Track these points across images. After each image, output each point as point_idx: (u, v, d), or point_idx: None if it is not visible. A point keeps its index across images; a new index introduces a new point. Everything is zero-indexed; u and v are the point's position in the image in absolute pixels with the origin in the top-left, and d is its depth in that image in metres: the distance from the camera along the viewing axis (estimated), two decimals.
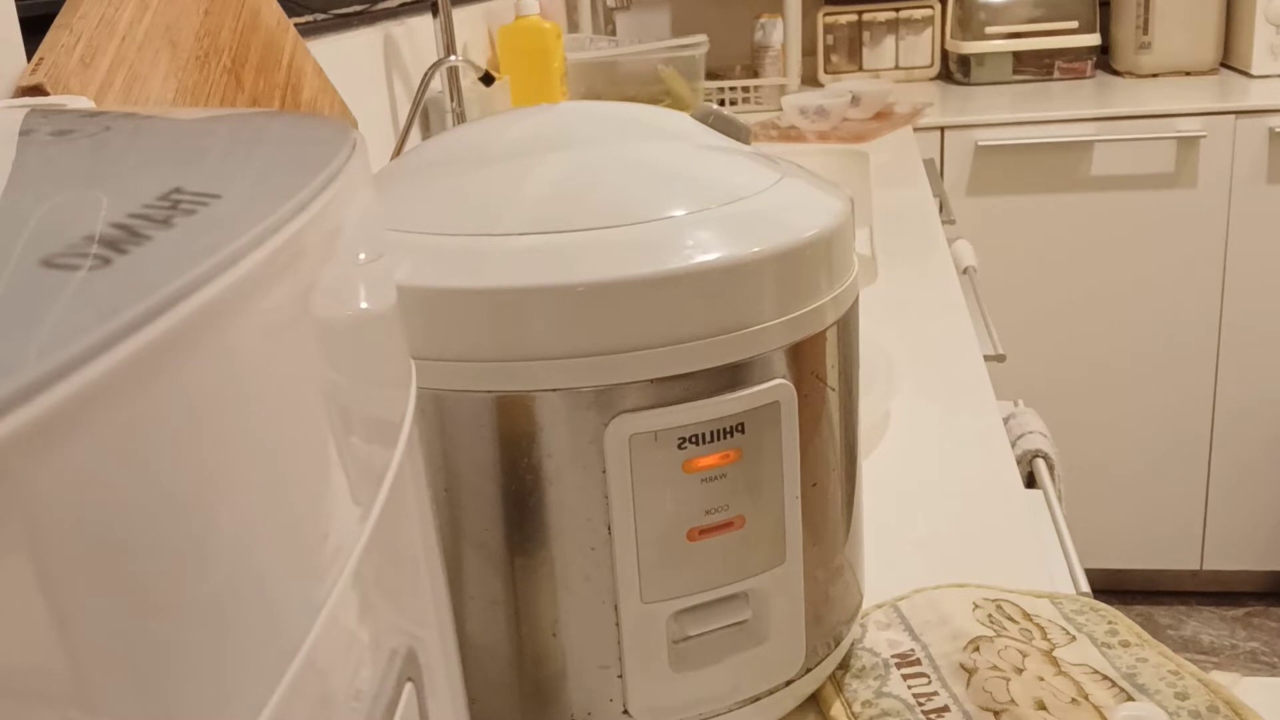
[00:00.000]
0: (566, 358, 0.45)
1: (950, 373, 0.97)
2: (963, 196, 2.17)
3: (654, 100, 1.97)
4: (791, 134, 2.03)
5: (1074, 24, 2.40)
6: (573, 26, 2.42)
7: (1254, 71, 2.25)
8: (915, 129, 2.12)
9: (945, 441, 0.85)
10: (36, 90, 0.71)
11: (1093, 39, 2.40)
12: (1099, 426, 2.25)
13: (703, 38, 2.04)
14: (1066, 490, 2.25)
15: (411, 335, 0.46)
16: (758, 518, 0.49)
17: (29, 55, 0.75)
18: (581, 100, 0.85)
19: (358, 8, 1.51)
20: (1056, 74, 2.43)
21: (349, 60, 1.41)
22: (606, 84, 2.00)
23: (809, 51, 2.60)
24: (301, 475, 0.23)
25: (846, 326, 0.53)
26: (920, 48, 2.54)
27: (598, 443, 0.46)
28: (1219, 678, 0.56)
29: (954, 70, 2.51)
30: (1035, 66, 2.44)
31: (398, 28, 1.59)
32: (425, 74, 1.53)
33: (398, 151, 1.51)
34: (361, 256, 0.27)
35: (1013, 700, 0.53)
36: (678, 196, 0.49)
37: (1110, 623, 0.60)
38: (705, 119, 0.58)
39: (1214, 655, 2.19)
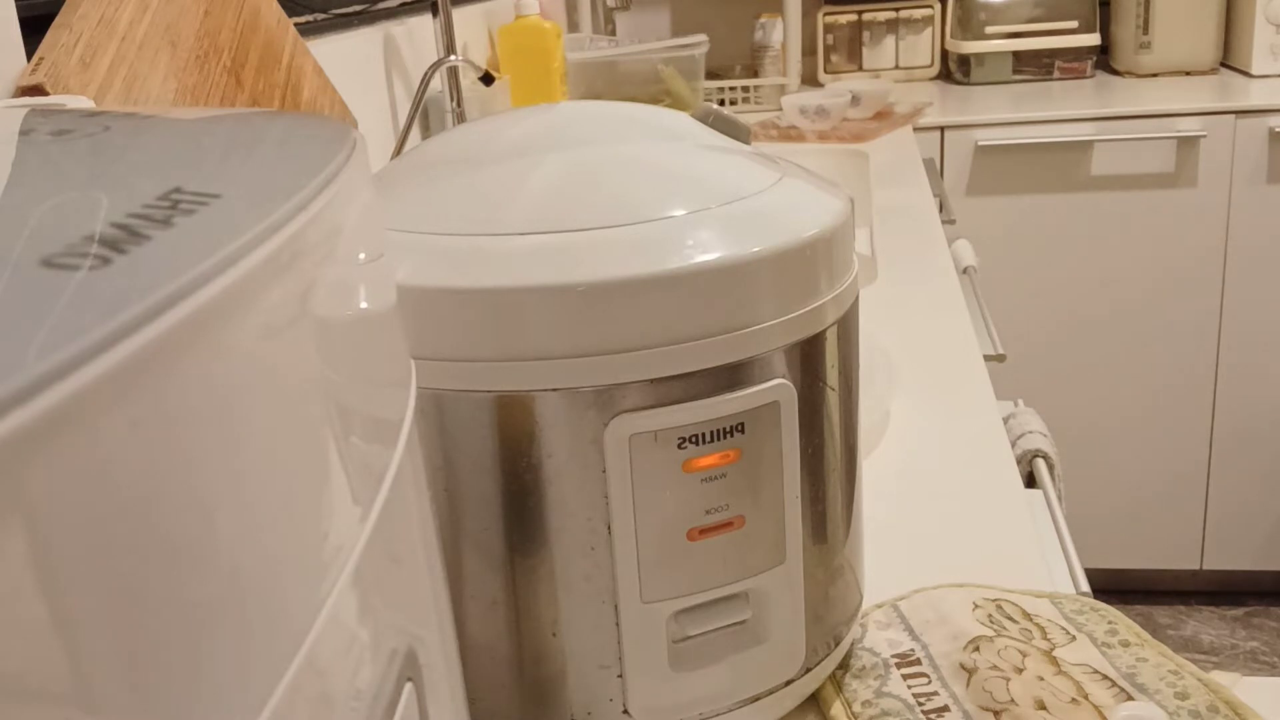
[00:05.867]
0: (566, 358, 0.45)
1: (950, 373, 0.97)
2: (963, 196, 2.17)
3: (654, 100, 1.97)
4: (791, 134, 2.03)
5: (1074, 24, 2.40)
6: (573, 26, 2.42)
7: (1254, 71, 2.25)
8: (915, 129, 2.12)
9: (945, 441, 0.85)
10: (36, 90, 0.71)
11: (1093, 39, 2.40)
12: (1099, 426, 2.25)
13: (703, 38, 2.04)
14: (1066, 490, 2.25)
15: (412, 335, 0.46)
16: (758, 518, 0.49)
17: (29, 55, 0.75)
18: (581, 100, 0.85)
19: (358, 8, 1.51)
20: (1056, 74, 2.43)
21: (349, 60, 1.40)
22: (606, 84, 2.00)
23: (809, 51, 2.60)
24: (301, 475, 0.23)
25: (846, 326, 0.53)
26: (920, 48, 2.54)
27: (598, 443, 0.46)
28: (1219, 678, 0.56)
29: (954, 70, 2.51)
30: (1035, 66, 2.44)
31: (398, 28, 1.59)
32: (425, 74, 1.53)
33: (398, 151, 1.51)
34: (361, 256, 0.27)
35: (1013, 700, 0.53)
36: (678, 196, 0.49)
37: (1110, 623, 0.60)
38: (705, 119, 0.58)
39: (1214, 655, 2.19)
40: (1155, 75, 2.37)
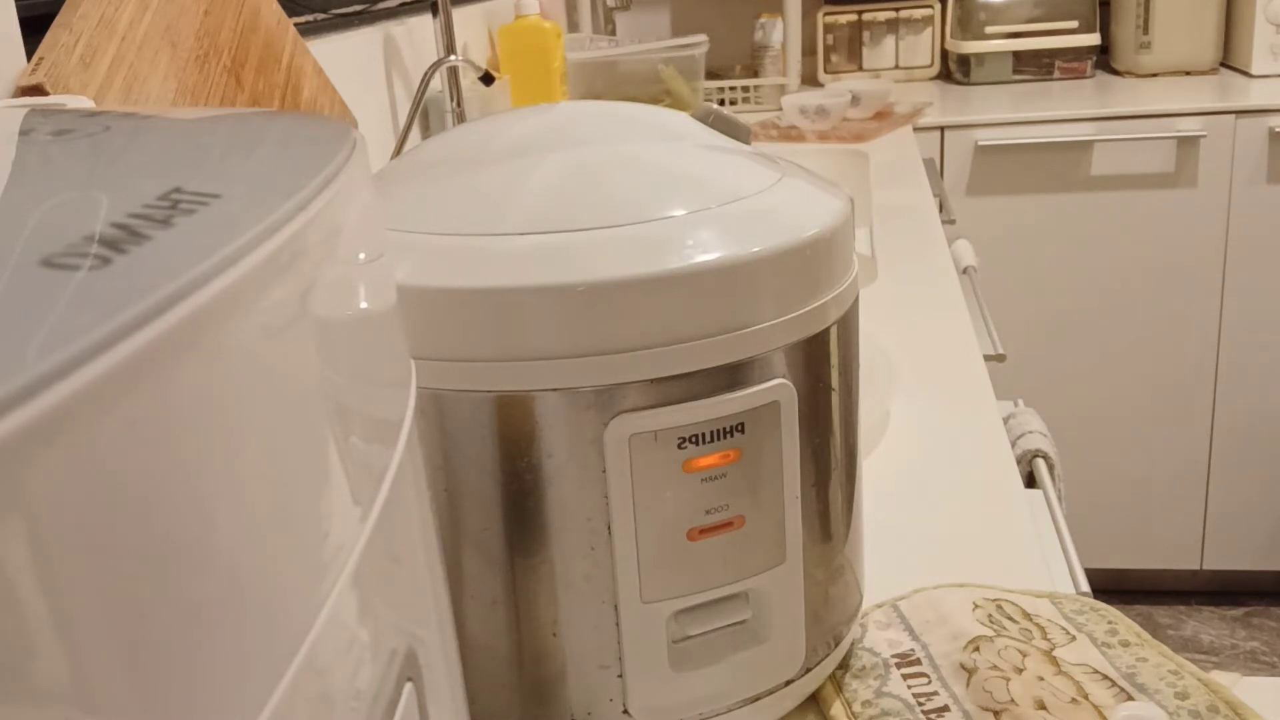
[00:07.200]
0: (566, 358, 0.45)
1: (950, 373, 0.97)
2: (963, 196, 2.17)
3: (654, 100, 1.97)
4: (791, 134, 2.03)
5: (1074, 24, 2.40)
6: (573, 26, 2.42)
7: (1254, 71, 2.25)
8: (915, 129, 2.12)
9: (945, 441, 0.85)
10: (36, 90, 0.71)
11: (1093, 39, 2.40)
12: (1099, 426, 2.24)
13: (703, 38, 2.04)
14: (1066, 490, 2.25)
15: (411, 335, 0.46)
16: (758, 518, 0.49)
17: (29, 55, 0.75)
18: (581, 100, 0.85)
19: (358, 8, 1.51)
20: (1056, 74, 2.43)
21: (349, 60, 1.40)
22: (606, 84, 2.00)
23: (809, 51, 2.60)
24: (301, 475, 0.23)
25: (846, 326, 0.53)
26: (920, 47, 2.54)
27: (598, 443, 0.46)
28: (1219, 678, 0.56)
29: (954, 70, 2.51)
30: (1035, 66, 2.44)
31: (398, 28, 1.59)
32: (425, 74, 1.53)
33: (398, 151, 1.51)
34: (361, 256, 0.27)
35: (1013, 700, 0.53)
36: (678, 196, 0.49)
37: (1110, 622, 0.60)
38: (705, 119, 0.58)
39: (1214, 655, 2.19)
40: (1155, 75, 2.37)
